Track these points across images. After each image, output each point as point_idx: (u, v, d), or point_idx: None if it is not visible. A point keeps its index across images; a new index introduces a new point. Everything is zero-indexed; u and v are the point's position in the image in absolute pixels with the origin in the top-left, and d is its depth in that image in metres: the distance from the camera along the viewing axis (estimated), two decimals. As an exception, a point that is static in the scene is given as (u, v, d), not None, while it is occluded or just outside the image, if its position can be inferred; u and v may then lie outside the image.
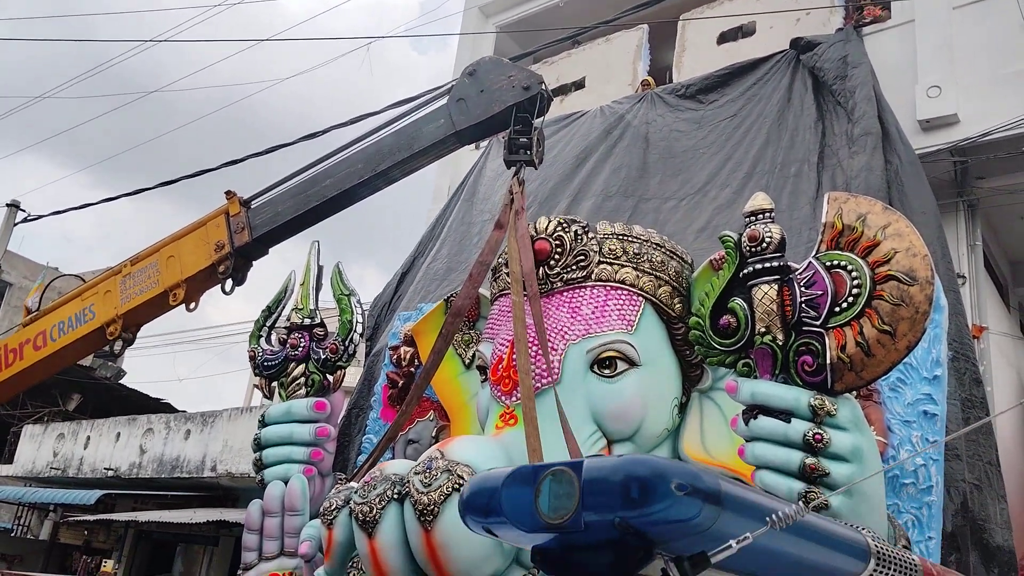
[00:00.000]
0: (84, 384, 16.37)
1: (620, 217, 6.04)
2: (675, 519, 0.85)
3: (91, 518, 11.81)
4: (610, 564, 0.82)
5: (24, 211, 13.19)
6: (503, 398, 4.21)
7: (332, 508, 4.13)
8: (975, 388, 4.72)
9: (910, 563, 1.68)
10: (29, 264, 22.57)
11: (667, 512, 0.82)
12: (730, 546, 0.91)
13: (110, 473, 12.58)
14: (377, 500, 3.83)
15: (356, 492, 3.97)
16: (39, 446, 14.06)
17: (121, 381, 17.90)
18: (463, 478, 3.68)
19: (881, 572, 1.45)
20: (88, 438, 13.34)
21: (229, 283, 5.79)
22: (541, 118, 4.93)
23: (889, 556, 1.57)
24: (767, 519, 0.93)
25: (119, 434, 12.87)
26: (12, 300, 21.50)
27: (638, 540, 0.84)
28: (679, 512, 0.84)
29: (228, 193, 5.83)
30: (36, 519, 14.51)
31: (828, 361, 3.17)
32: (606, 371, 4.15)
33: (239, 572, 4.82)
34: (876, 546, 1.47)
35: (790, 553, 1.17)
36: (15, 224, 13.08)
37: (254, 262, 5.87)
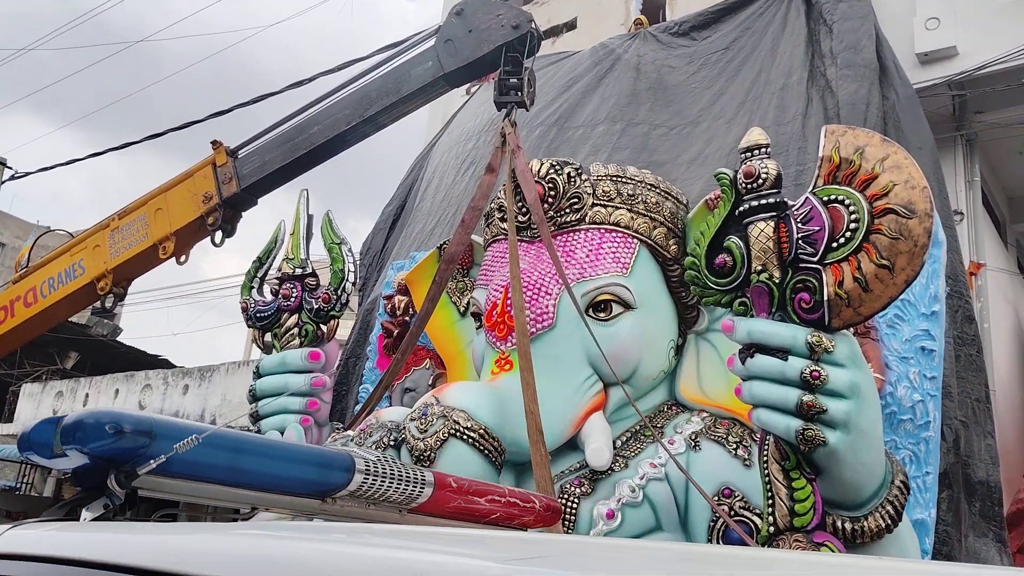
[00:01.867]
0: (81, 342, 16.37)
1: (608, 142, 5.94)
2: (113, 448, 1.32)
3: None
4: (95, 477, 1.35)
5: (11, 168, 13.02)
6: (498, 344, 4.19)
7: (329, 456, 4.13)
8: (967, 325, 4.69)
9: (415, 476, 1.90)
10: (21, 223, 22.43)
11: (105, 445, 1.30)
12: (150, 463, 1.33)
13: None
14: (374, 447, 3.83)
15: (352, 440, 3.97)
16: (38, 404, 14.11)
17: (118, 338, 17.91)
18: (459, 423, 3.67)
19: (373, 482, 1.77)
20: (87, 395, 13.38)
21: (219, 235, 5.72)
22: (531, 58, 4.81)
23: (385, 470, 1.83)
24: (186, 441, 1.34)
25: (117, 391, 12.91)
26: (6, 260, 21.40)
27: (103, 463, 1.34)
28: (114, 444, 1.32)
29: (214, 143, 5.72)
30: (39, 476, 14.63)
31: (825, 298, 3.13)
32: (601, 314, 4.12)
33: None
34: (367, 463, 1.75)
35: (244, 467, 1.56)
36: (2, 182, 12.92)
37: (243, 213, 5.79)
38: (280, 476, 1.68)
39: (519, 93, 4.73)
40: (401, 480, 1.82)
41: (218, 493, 1.60)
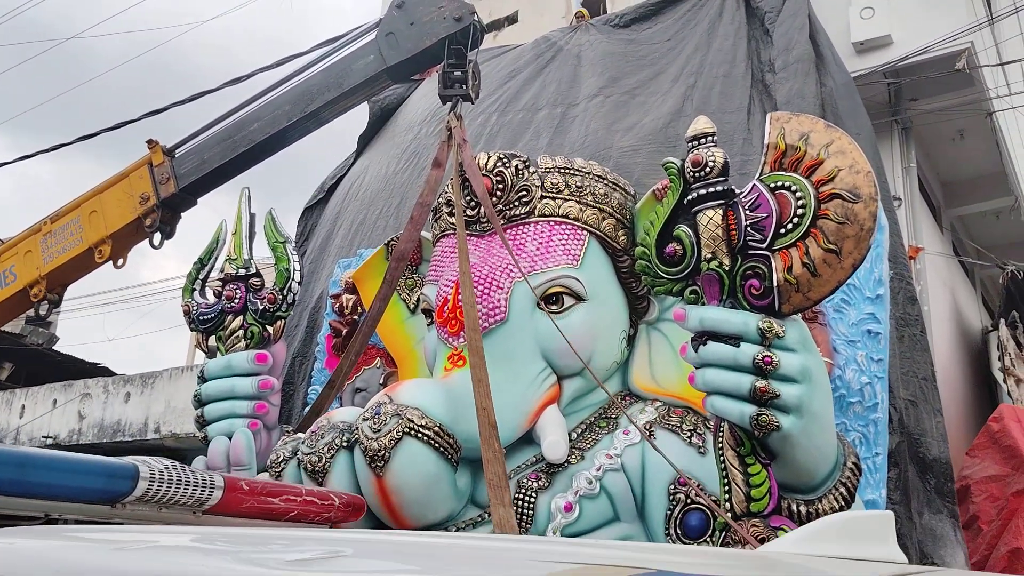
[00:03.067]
0: (15, 352, 15.80)
1: (549, 126, 5.93)
2: None
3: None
4: None
5: (-66, 174, 12.50)
6: (450, 340, 4.14)
7: (280, 460, 4.04)
8: (910, 306, 4.80)
9: (202, 480, 2.01)
10: (-54, 231, 21.59)
11: None
12: None
13: (49, 441, 12.23)
14: (325, 449, 3.75)
15: (303, 443, 3.89)
16: (-29, 418, 13.61)
17: (55, 347, 17.34)
18: (413, 421, 3.62)
19: (159, 488, 1.87)
20: (23, 407, 12.91)
21: (157, 236, 5.56)
22: (475, 50, 4.76)
23: (171, 477, 1.95)
24: None
25: (55, 400, 12.48)
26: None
27: None
28: None
29: (150, 142, 5.55)
30: (-25, 492, 14.13)
31: (775, 284, 3.16)
32: (553, 307, 4.09)
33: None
34: (152, 471, 1.86)
35: (31, 480, 1.65)
36: (-75, 188, 12.39)
37: (182, 214, 5.63)
38: (66, 486, 1.82)
39: (464, 86, 4.68)
40: (188, 484, 1.96)
41: (7, 504, 1.75)
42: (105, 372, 15.17)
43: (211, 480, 1.99)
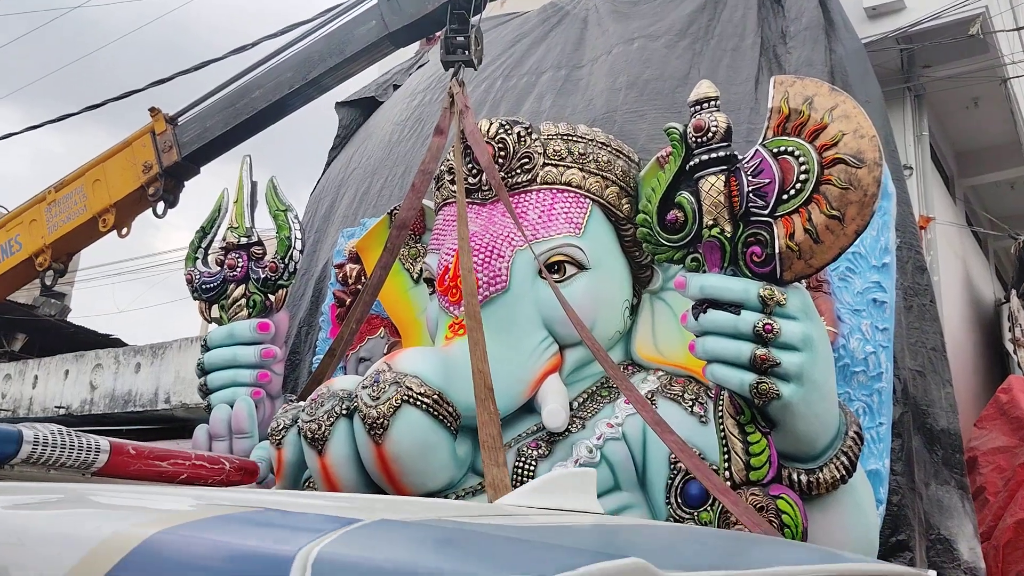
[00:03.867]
0: (29, 323, 15.93)
1: (552, 88, 5.85)
2: None
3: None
4: None
5: (-56, 145, 12.53)
6: (451, 308, 4.11)
7: (280, 428, 4.04)
8: (919, 276, 4.74)
9: (88, 445, 2.16)
10: (-40, 203, 21.69)
11: None
12: None
13: (62, 411, 12.36)
14: (325, 417, 3.75)
15: (303, 410, 3.88)
16: (-14, 388, 13.76)
17: (67, 318, 17.47)
18: (412, 389, 3.60)
19: (43, 452, 2.00)
20: (36, 377, 13.04)
21: (161, 205, 5.56)
22: (478, 15, 4.69)
23: (56, 441, 2.08)
24: None
25: (67, 371, 12.60)
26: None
27: None
28: None
29: (152, 110, 5.53)
30: (-9, 461, 14.31)
31: (777, 250, 3.11)
32: (555, 276, 4.05)
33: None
34: (36, 435, 1.97)
35: None
36: (-64, 159, 12.44)
37: (186, 183, 5.62)
38: None
39: (466, 52, 4.62)
40: (74, 448, 2.09)
41: None
42: (116, 343, 15.30)
43: (96, 444, 2.15)
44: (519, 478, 3.72)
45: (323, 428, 3.73)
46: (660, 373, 4.09)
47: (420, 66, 7.66)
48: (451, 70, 4.67)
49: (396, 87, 7.54)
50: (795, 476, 3.20)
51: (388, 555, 0.93)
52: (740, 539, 1.66)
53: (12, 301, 13.23)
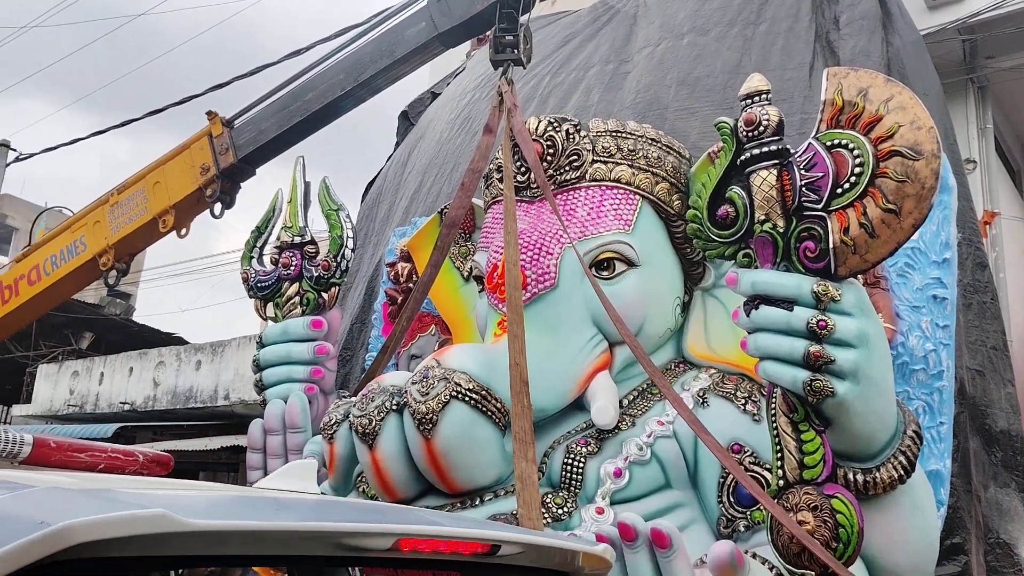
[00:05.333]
0: (95, 322, 16.43)
1: (600, 82, 5.81)
2: None
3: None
4: None
5: (15, 151, 12.99)
6: (500, 306, 4.12)
7: (332, 423, 4.10)
8: (979, 272, 4.59)
9: (11, 438, 2.42)
10: (32, 207, 22.44)
11: None
12: None
13: (126, 407, 12.73)
14: (376, 412, 3.79)
15: (354, 405, 3.93)
16: (55, 385, 14.20)
17: (132, 318, 17.99)
18: (461, 385, 3.63)
19: None
20: (102, 374, 13.45)
21: (218, 207, 5.67)
22: (527, 14, 4.69)
23: None
24: None
25: (132, 368, 12.96)
26: (18, 244, 21.48)
27: None
28: None
29: (209, 114, 5.65)
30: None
31: (831, 245, 3.04)
32: (604, 273, 4.05)
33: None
34: None
35: None
36: (7, 164, 12.91)
37: (242, 184, 5.73)
38: None
39: (515, 50, 4.62)
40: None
41: None
42: (179, 341, 15.68)
43: (20, 438, 2.45)
44: (568, 475, 3.71)
45: (374, 423, 3.77)
46: (712, 371, 4.05)
47: (457, 73, 7.72)
48: (500, 69, 4.68)
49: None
50: (851, 475, 3.13)
51: (9, 506, 1.28)
52: (282, 501, 1.89)
53: (80, 301, 13.69)
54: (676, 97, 5.27)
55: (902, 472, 3.18)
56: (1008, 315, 5.37)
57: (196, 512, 1.29)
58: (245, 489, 2.21)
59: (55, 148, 10.88)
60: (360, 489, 4.15)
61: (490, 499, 3.72)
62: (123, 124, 9.47)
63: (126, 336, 16.40)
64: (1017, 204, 7.52)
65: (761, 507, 3.50)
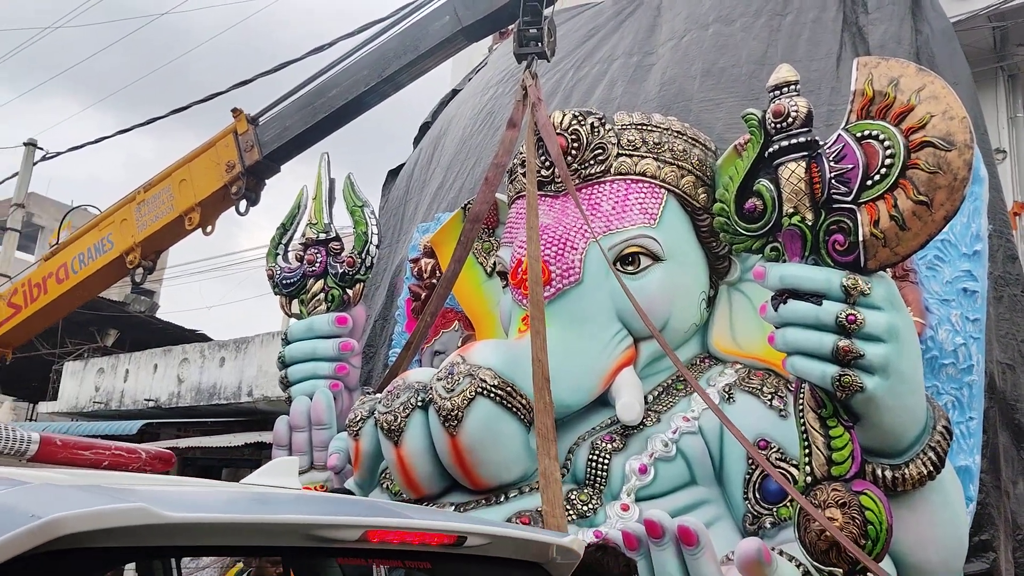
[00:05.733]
0: (120, 319, 16.57)
1: (623, 75, 5.77)
2: None
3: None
4: None
5: (42, 149, 13.15)
6: (524, 301, 4.11)
7: (357, 419, 4.11)
8: (1010, 265, 4.52)
9: (19, 436, 2.52)
10: (59, 206, 22.71)
11: None
12: None
13: (151, 404, 12.82)
14: (401, 408, 3.79)
15: (380, 402, 3.94)
16: (81, 382, 14.34)
17: (156, 315, 18.13)
18: (486, 381, 3.62)
19: None
20: (127, 371, 13.56)
21: (243, 204, 5.69)
22: (551, 7, 4.67)
23: None
24: None
25: (156, 365, 13.05)
26: (46, 243, 21.74)
27: None
28: None
29: (235, 111, 5.67)
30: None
31: (860, 238, 3.00)
32: (630, 267, 4.02)
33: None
34: None
35: None
36: (34, 163, 13.07)
37: (267, 181, 5.75)
38: None
39: (539, 44, 4.60)
40: (8, 440, 2.50)
41: None
42: (202, 338, 15.79)
43: (28, 436, 2.55)
44: (593, 471, 3.69)
45: (399, 420, 3.78)
46: (738, 366, 4.01)
47: (479, 69, 7.69)
48: (524, 62, 4.66)
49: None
50: (880, 472, 3.09)
51: (4, 501, 1.36)
52: (260, 495, 2.01)
53: (104, 298, 13.81)
54: (701, 88, 5.22)
55: (931, 468, 3.14)
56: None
57: (175, 506, 1.39)
58: (226, 485, 2.36)
59: (81, 147, 11.03)
60: (384, 486, 4.16)
61: (515, 496, 3.71)
62: (148, 122, 9.56)
63: (150, 333, 16.54)
64: (1048, 196, 7.41)
65: (788, 504, 3.47)
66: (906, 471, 3.09)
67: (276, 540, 1.56)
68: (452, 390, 3.63)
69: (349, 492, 3.93)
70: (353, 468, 4.21)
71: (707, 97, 5.14)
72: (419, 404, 3.78)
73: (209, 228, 5.93)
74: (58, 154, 12.67)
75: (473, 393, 3.59)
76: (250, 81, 7.66)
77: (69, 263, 6.30)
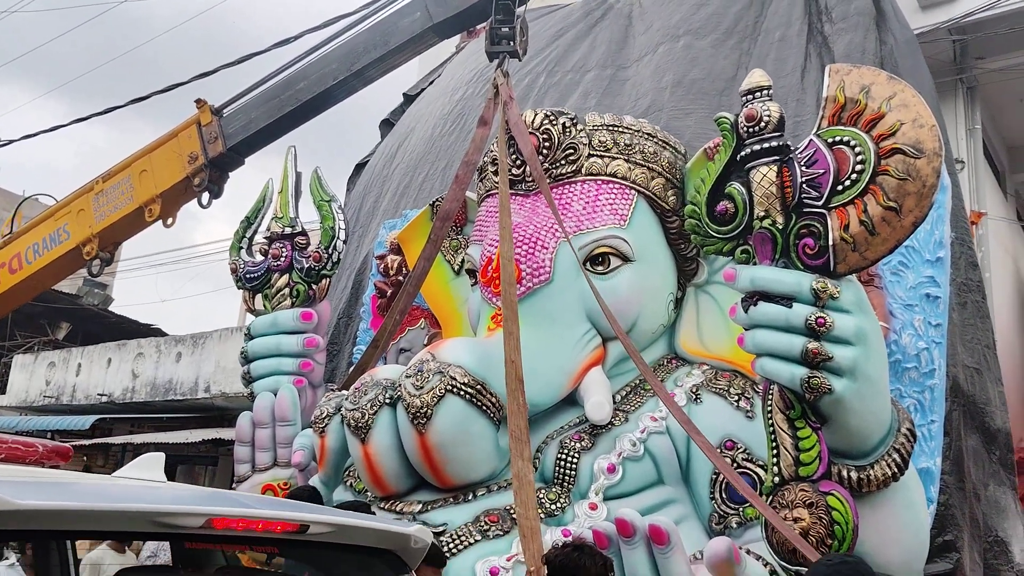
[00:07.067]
0: (72, 312, 16.20)
1: (597, 88, 5.82)
2: None
3: (87, 443, 11.83)
4: None
5: (-6, 137, 12.76)
6: (494, 300, 4.10)
7: (323, 416, 4.06)
8: (971, 271, 4.63)
9: None
10: (8, 196, 22.10)
11: None
12: None
13: (104, 399, 12.53)
14: (368, 405, 3.76)
15: (347, 399, 3.89)
16: (31, 375, 13.96)
17: (110, 308, 17.75)
18: (456, 379, 3.60)
19: None
20: (79, 365, 13.23)
21: (206, 196, 5.60)
22: (523, 6, 4.66)
23: None
24: None
25: (110, 360, 12.75)
26: (-6, 232, 21.14)
27: None
28: None
29: (198, 102, 5.57)
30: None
31: (830, 243, 3.04)
32: (599, 267, 4.03)
33: (233, 485, 4.78)
34: None
35: None
36: (-15, 151, 12.68)
37: (230, 173, 5.66)
38: None
39: (511, 42, 4.58)
40: None
41: None
42: (157, 332, 15.51)
43: None
44: (562, 471, 3.69)
45: (366, 416, 3.74)
46: (705, 367, 4.05)
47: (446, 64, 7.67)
48: (495, 61, 4.64)
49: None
50: (845, 472, 3.13)
51: None
52: (114, 486, 2.18)
53: (57, 290, 13.46)
54: (671, 98, 5.27)
55: (895, 470, 3.18)
56: (993, 315, 5.42)
57: (27, 494, 1.51)
58: (91, 477, 2.52)
59: (35, 135, 10.70)
60: (348, 483, 4.12)
61: (483, 494, 3.70)
62: (106, 111, 9.30)
63: (103, 327, 16.19)
64: (1001, 204, 7.60)
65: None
66: (871, 472, 3.13)
67: (125, 526, 1.71)
68: (421, 387, 3.60)
69: (314, 490, 3.87)
70: (318, 465, 4.16)
71: (677, 106, 5.20)
72: (387, 401, 3.74)
73: (170, 220, 5.82)
74: (11, 142, 12.31)
75: (443, 391, 3.57)
76: (213, 72, 7.48)
77: (23, 253, 6.13)
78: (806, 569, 2.99)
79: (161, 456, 2.88)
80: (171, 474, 12.92)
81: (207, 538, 1.82)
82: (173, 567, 2.19)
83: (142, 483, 2.35)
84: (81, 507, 1.63)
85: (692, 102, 5.24)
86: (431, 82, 7.77)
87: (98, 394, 12.73)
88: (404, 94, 7.91)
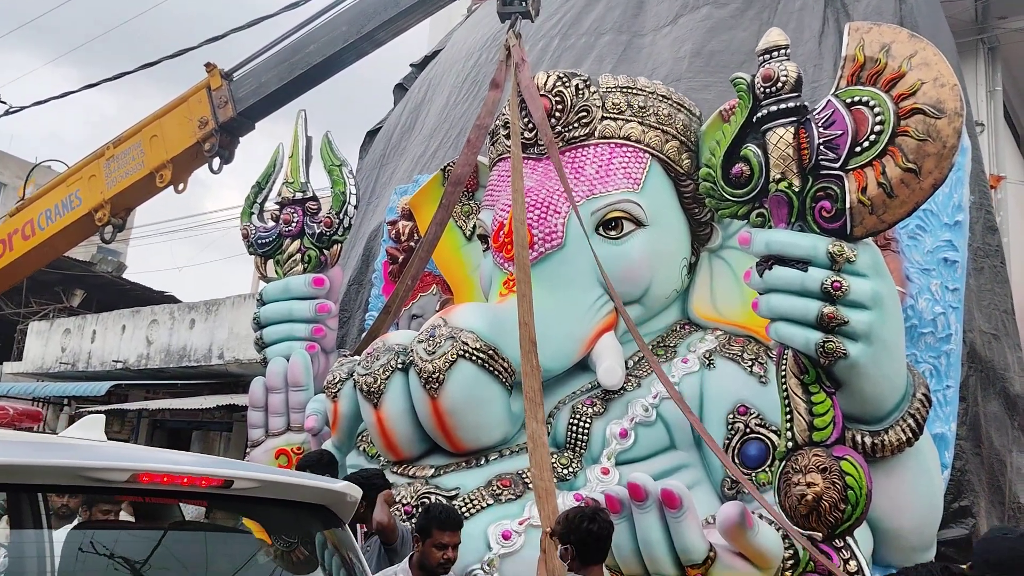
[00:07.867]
0: (87, 279, 16.28)
1: (612, 53, 5.74)
2: None
3: (103, 408, 11.94)
4: None
5: (5, 103, 12.75)
6: (505, 265, 4.07)
7: (336, 381, 4.06)
8: (989, 236, 4.56)
9: None
10: (20, 163, 22.13)
11: None
12: None
13: (119, 365, 12.63)
14: (381, 370, 3.76)
15: (359, 364, 3.89)
16: (47, 342, 14.08)
17: (124, 275, 17.83)
18: (468, 344, 3.59)
19: None
20: (94, 332, 13.33)
21: (216, 161, 5.56)
22: None
23: None
24: None
25: (124, 327, 12.84)
26: (7, 201, 21.23)
27: None
28: None
29: (208, 66, 5.51)
30: (52, 413, 14.76)
31: (847, 205, 2.99)
32: (612, 232, 3.99)
33: (247, 450, 4.81)
34: None
35: None
36: (-3, 118, 12.67)
37: (241, 138, 5.62)
38: None
39: (523, 3, 4.50)
40: None
41: None
42: (171, 300, 15.57)
43: None
44: (574, 435, 3.69)
45: (379, 381, 3.74)
46: (719, 332, 4.02)
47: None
48: (507, 22, 4.56)
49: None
50: (859, 438, 3.12)
51: None
52: (50, 444, 2.31)
53: (71, 258, 13.52)
54: (690, 69, 5.20)
55: (910, 435, 3.17)
56: (1012, 280, 5.35)
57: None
58: (31, 436, 2.62)
59: (45, 101, 10.66)
60: (361, 448, 4.13)
61: (495, 459, 3.71)
62: (116, 77, 9.25)
63: (117, 294, 16.27)
64: (1022, 168, 7.47)
65: (766, 469, 3.50)
66: (886, 437, 3.12)
67: (56, 480, 1.82)
68: (434, 352, 3.59)
69: (331, 455, 3.88)
70: (331, 430, 4.18)
71: (696, 78, 5.12)
72: (399, 366, 3.74)
73: (181, 186, 5.80)
74: (22, 108, 12.24)
75: (455, 355, 3.56)
76: (222, 37, 7.40)
77: (36, 219, 6.13)
78: (819, 534, 2.99)
79: (101, 418, 3.02)
80: (186, 440, 13.10)
81: (135, 491, 1.89)
82: (133, 520, 2.27)
83: (79, 441, 2.47)
84: (10, 462, 1.73)
85: (712, 74, 5.16)
86: (441, 49, 7.68)
87: (113, 360, 12.83)
88: (411, 64, 7.83)
